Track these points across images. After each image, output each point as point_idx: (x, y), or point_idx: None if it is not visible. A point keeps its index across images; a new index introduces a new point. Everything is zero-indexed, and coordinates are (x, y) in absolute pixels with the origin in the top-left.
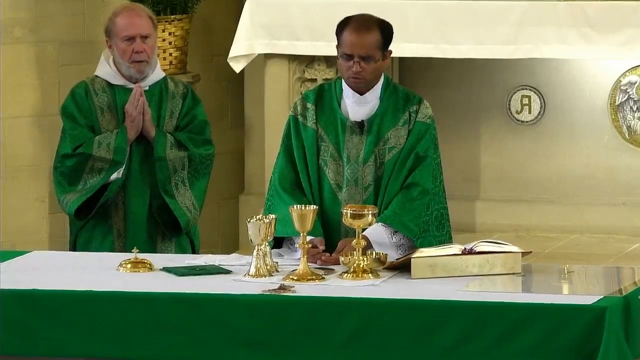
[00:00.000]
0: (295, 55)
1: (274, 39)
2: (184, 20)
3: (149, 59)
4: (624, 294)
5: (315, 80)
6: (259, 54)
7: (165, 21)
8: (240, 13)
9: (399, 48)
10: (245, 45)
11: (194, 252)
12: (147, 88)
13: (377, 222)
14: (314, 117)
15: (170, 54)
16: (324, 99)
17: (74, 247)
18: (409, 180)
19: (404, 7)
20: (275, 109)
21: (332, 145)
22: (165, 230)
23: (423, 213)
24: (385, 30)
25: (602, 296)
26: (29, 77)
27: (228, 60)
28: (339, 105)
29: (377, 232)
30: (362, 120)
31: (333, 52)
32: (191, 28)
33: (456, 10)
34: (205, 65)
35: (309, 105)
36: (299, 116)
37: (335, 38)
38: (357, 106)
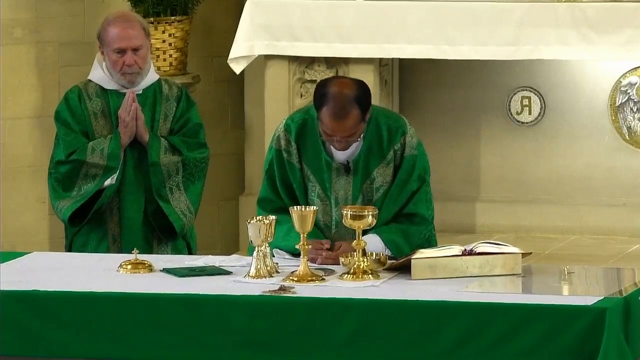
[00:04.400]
0: (296, 56)
1: (274, 40)
2: (184, 22)
3: (141, 70)
4: (624, 295)
5: (315, 81)
6: (259, 55)
7: (165, 22)
8: (241, 14)
9: (399, 49)
10: (245, 46)
11: (190, 254)
12: (140, 92)
13: (375, 232)
14: (298, 155)
15: (171, 55)
16: (306, 135)
17: (69, 252)
18: (406, 210)
19: (404, 7)
20: (275, 110)
21: (319, 185)
22: (160, 234)
23: (417, 238)
24: (362, 102)
25: (603, 297)
26: (29, 78)
27: (228, 62)
28: (323, 143)
29: (374, 242)
30: (347, 162)
31: (333, 53)
32: (191, 29)
33: (456, 11)
34: (205, 66)
35: (292, 142)
36: (283, 151)
37: (313, 101)
38: (334, 149)
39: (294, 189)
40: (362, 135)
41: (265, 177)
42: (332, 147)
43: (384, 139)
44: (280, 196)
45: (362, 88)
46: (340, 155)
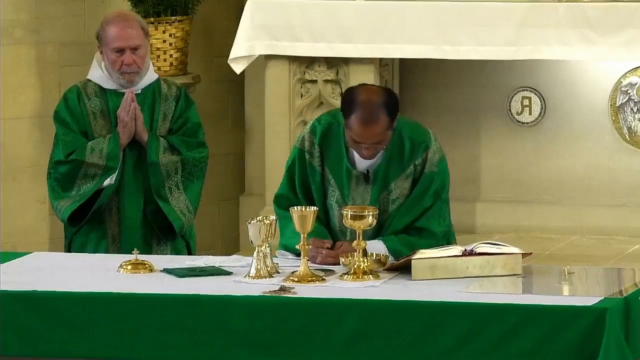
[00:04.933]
0: (296, 57)
1: (275, 40)
2: (185, 22)
3: (139, 69)
4: (624, 295)
5: (315, 81)
6: (259, 55)
7: (166, 22)
8: (241, 14)
9: (399, 49)
10: (245, 46)
11: (189, 254)
12: (139, 91)
13: (381, 239)
14: (320, 159)
15: (171, 55)
16: (331, 139)
17: (68, 252)
18: (417, 224)
19: (404, 7)
20: (275, 110)
21: (339, 190)
22: (160, 234)
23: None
24: (391, 108)
25: (603, 297)
26: (29, 78)
27: (228, 62)
28: (347, 150)
29: (377, 248)
30: (368, 171)
31: (333, 53)
32: (192, 29)
33: (457, 11)
34: (205, 66)
35: (315, 145)
36: (306, 152)
37: (341, 109)
38: (360, 157)
39: (312, 191)
40: (387, 144)
41: (286, 175)
42: (357, 155)
43: (405, 151)
44: (297, 196)
45: (390, 95)
46: (361, 164)
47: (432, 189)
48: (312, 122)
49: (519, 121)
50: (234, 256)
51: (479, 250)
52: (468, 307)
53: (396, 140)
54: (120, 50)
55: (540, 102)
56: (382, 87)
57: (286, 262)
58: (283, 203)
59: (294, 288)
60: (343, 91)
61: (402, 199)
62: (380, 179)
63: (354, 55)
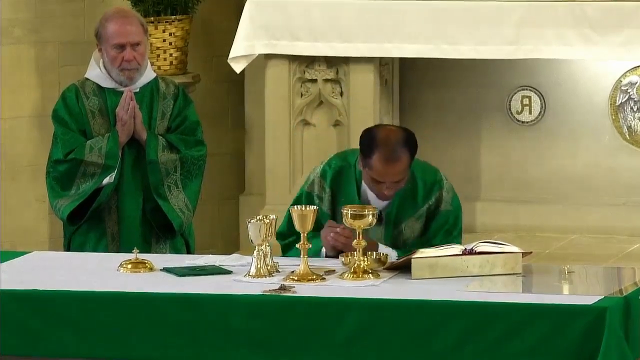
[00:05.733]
0: (296, 56)
1: (274, 40)
2: (184, 21)
3: (139, 66)
4: (624, 294)
5: (315, 81)
6: (259, 55)
7: (166, 21)
8: (241, 14)
9: (399, 48)
10: (245, 45)
11: (189, 252)
12: (137, 90)
13: (395, 251)
14: (331, 202)
15: (171, 55)
16: (343, 182)
17: (67, 251)
18: None
19: (404, 7)
20: (275, 109)
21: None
22: (159, 232)
23: None
24: (411, 145)
25: (603, 296)
26: (29, 77)
27: (228, 61)
28: (359, 191)
29: (388, 250)
30: (381, 212)
31: (333, 52)
32: (191, 28)
33: (457, 10)
34: (205, 65)
35: (326, 188)
36: (315, 197)
37: (360, 149)
38: (378, 198)
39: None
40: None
41: (288, 212)
42: (374, 196)
43: (418, 192)
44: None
45: (408, 133)
46: (376, 204)
47: (445, 228)
48: (321, 166)
49: (519, 120)
50: (234, 255)
51: (478, 249)
52: (468, 306)
53: (410, 180)
54: (121, 47)
55: (540, 101)
56: (398, 126)
57: (286, 260)
58: (283, 240)
59: (294, 287)
60: (342, 90)
61: (412, 238)
62: (393, 218)
63: (354, 54)
